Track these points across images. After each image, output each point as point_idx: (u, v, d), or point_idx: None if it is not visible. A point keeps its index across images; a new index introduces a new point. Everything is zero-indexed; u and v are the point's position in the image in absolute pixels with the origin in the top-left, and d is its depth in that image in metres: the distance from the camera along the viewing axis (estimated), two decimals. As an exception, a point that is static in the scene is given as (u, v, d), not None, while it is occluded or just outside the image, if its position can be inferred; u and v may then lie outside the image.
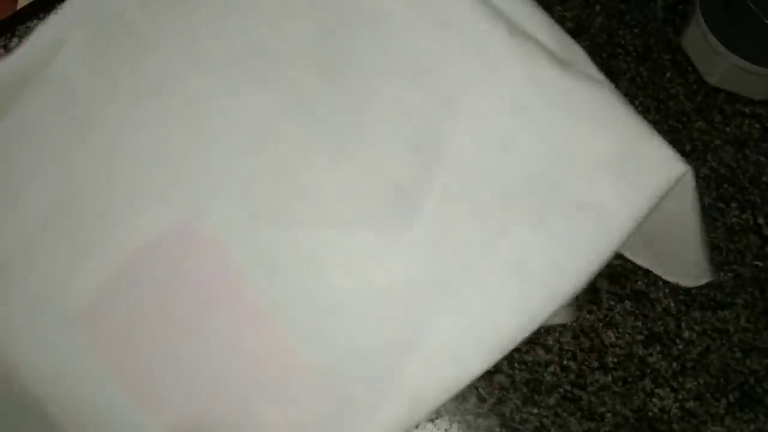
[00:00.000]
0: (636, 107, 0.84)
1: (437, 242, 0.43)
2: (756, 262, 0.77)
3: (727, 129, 0.83)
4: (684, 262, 0.53)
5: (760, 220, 0.79)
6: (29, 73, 0.45)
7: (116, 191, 0.46)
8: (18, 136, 0.46)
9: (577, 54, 0.47)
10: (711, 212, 0.80)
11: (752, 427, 0.73)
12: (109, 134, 0.46)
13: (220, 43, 0.47)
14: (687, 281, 0.60)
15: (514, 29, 0.46)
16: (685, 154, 0.83)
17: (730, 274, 0.77)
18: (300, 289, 0.44)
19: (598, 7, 0.89)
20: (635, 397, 0.74)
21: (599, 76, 0.46)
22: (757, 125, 0.84)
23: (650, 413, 0.74)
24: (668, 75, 0.86)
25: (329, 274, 0.44)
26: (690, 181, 0.43)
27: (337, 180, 0.45)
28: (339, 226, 0.44)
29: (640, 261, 0.61)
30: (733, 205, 0.80)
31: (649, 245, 0.52)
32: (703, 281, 0.57)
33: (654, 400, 0.74)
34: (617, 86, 0.85)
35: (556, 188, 0.43)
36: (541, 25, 0.48)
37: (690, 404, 0.73)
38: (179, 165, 0.46)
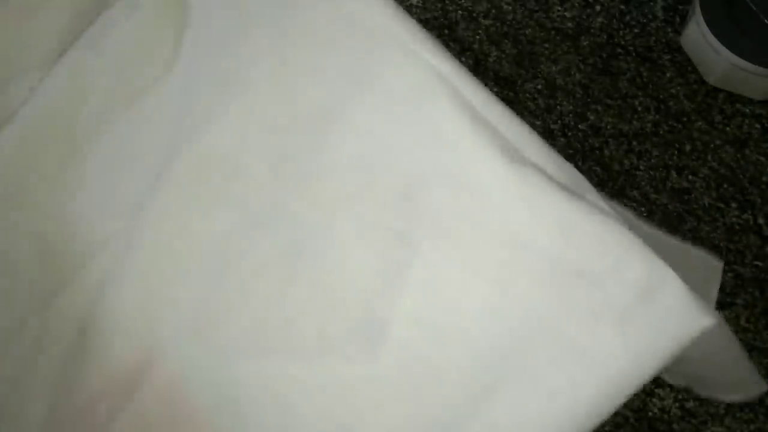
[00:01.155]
0: (636, 107, 0.84)
1: (416, 383, 0.38)
2: (756, 262, 0.77)
3: (727, 129, 0.83)
4: (730, 383, 0.47)
5: (760, 220, 0.79)
6: None
7: (71, 332, 0.43)
8: None
9: (582, 183, 0.41)
10: (711, 212, 0.80)
11: (752, 427, 0.73)
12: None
13: (191, 157, 0.44)
14: (739, 397, 0.52)
15: (513, 153, 0.40)
16: (685, 154, 0.83)
17: (730, 274, 0.77)
18: None
19: (598, 7, 0.89)
20: (635, 397, 0.74)
21: (607, 207, 0.40)
22: (757, 125, 0.84)
23: (650, 413, 0.73)
24: (668, 75, 0.86)
25: (296, 411, 0.40)
26: (722, 329, 0.37)
27: (307, 310, 0.41)
28: (303, 358, 0.40)
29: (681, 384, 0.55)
30: (733, 205, 0.80)
31: (689, 376, 0.47)
32: (758, 393, 0.50)
33: (654, 400, 0.74)
34: (617, 86, 0.86)
35: (557, 339, 0.37)
36: (541, 151, 0.41)
37: (690, 404, 0.73)
38: (143, 295, 0.43)
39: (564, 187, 0.39)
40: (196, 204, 0.44)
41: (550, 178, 0.39)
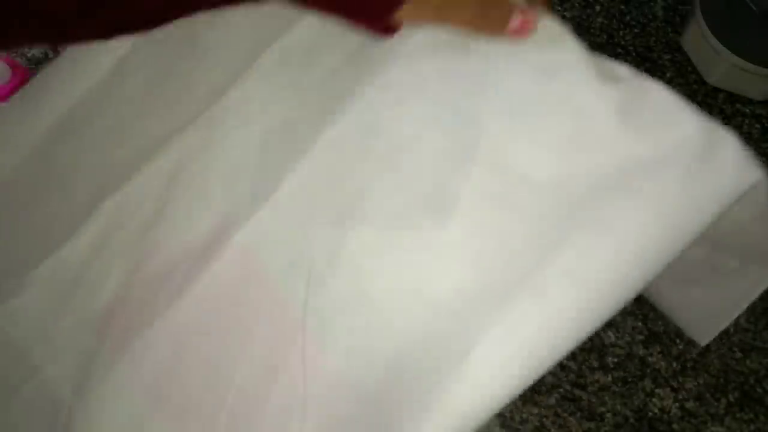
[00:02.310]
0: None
1: (481, 248, 0.42)
2: (756, 262, 0.78)
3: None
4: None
5: (760, 220, 0.79)
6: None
7: (153, 198, 0.46)
8: (67, 133, 0.47)
9: (621, 67, 0.45)
10: (711, 212, 0.80)
11: (752, 427, 0.73)
12: (164, 139, 0.46)
13: (277, 48, 0.47)
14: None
15: (582, 48, 0.45)
16: (685, 154, 0.83)
17: (730, 274, 0.77)
18: (340, 298, 0.43)
19: (598, 7, 0.89)
20: (635, 397, 0.74)
21: (651, 79, 0.44)
22: (757, 125, 0.84)
23: (650, 413, 0.74)
24: (668, 75, 0.86)
25: (367, 278, 0.43)
26: (764, 189, 0.41)
27: (378, 183, 0.44)
28: (374, 226, 0.43)
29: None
30: (733, 205, 0.80)
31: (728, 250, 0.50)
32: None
33: (654, 400, 0.74)
34: (617, 86, 0.86)
35: (625, 192, 0.40)
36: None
37: (690, 404, 0.73)
38: (220, 171, 0.46)
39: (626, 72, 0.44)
40: (276, 88, 0.46)
41: (614, 70, 0.44)
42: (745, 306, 0.52)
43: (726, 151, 0.40)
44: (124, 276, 0.44)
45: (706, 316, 0.55)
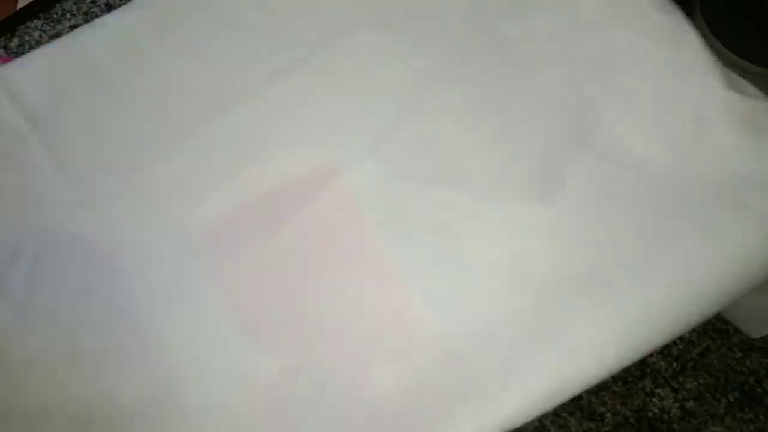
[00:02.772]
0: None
1: (585, 233, 0.42)
2: (756, 262, 0.77)
3: (727, 129, 0.83)
4: None
5: (760, 220, 0.79)
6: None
7: (269, 126, 0.46)
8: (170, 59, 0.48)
9: (750, 85, 0.47)
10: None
11: (752, 427, 0.73)
12: (271, 73, 0.47)
13: (395, 2, 0.48)
14: None
15: (712, 59, 0.46)
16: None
17: (730, 274, 0.77)
18: (434, 256, 0.43)
19: (598, 7, 0.89)
20: (635, 397, 0.74)
21: None
22: (757, 125, 0.83)
23: (650, 413, 0.73)
24: (668, 75, 0.86)
25: (462, 240, 0.43)
26: None
27: (486, 154, 0.45)
28: (476, 192, 0.44)
29: None
30: (733, 205, 0.80)
31: None
32: None
33: (654, 400, 0.74)
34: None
35: (732, 204, 0.42)
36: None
37: (690, 404, 0.73)
38: (330, 114, 0.46)
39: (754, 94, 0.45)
40: (398, 44, 0.48)
41: (742, 85, 0.45)
42: None
43: None
44: (223, 199, 0.45)
45: (759, 314, 0.55)
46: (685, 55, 0.45)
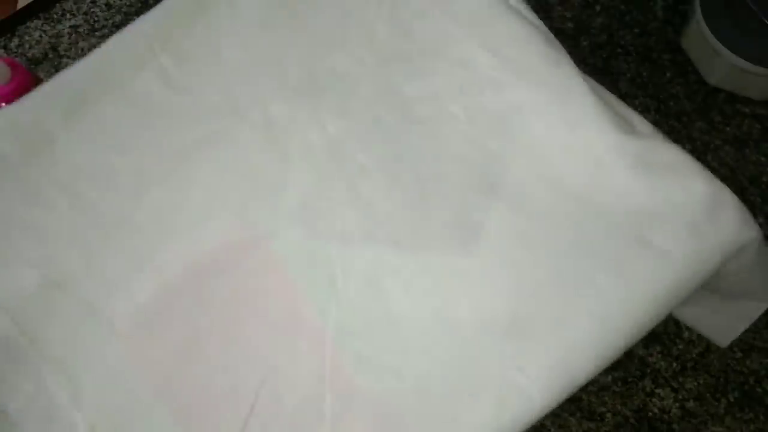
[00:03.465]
0: (636, 107, 0.84)
1: (507, 279, 0.44)
2: (756, 262, 0.77)
3: (727, 129, 0.83)
4: (757, 289, 0.54)
5: (760, 220, 0.79)
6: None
7: (187, 202, 0.47)
8: (89, 141, 0.48)
9: (643, 122, 0.50)
10: (711, 212, 0.80)
11: (752, 427, 0.73)
12: (184, 149, 0.48)
13: (304, 71, 0.50)
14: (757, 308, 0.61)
15: (594, 90, 0.48)
16: (685, 154, 0.83)
17: (730, 274, 0.77)
18: (364, 316, 0.44)
19: (598, 7, 0.89)
20: (635, 397, 0.74)
21: (666, 139, 0.49)
22: (757, 125, 0.84)
23: (650, 413, 0.74)
24: (668, 75, 0.86)
25: (391, 296, 0.44)
26: (755, 245, 0.45)
27: (404, 211, 0.46)
28: (399, 248, 0.45)
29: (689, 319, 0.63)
30: (733, 205, 0.80)
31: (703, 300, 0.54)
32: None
33: (654, 400, 0.74)
34: (617, 86, 0.86)
35: (636, 241, 0.44)
36: (605, 94, 0.50)
37: (690, 404, 0.73)
38: (248, 184, 0.47)
39: (631, 126, 0.48)
40: (311, 112, 0.49)
41: (634, 125, 0.48)
42: (745, 326, 0.56)
43: (729, 211, 0.45)
44: (144, 282, 0.45)
45: (717, 328, 0.59)
46: (576, 105, 0.47)
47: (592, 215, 0.46)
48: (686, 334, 0.76)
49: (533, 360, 0.42)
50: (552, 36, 0.50)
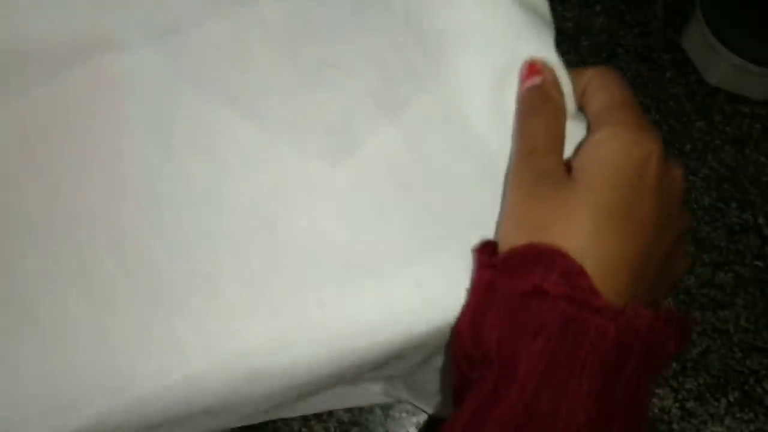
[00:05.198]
0: (636, 107, 0.84)
1: (357, 207, 0.38)
2: (756, 262, 0.77)
3: (727, 129, 0.83)
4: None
5: (760, 220, 0.79)
6: None
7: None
8: None
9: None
10: (711, 212, 0.80)
11: (752, 427, 0.73)
12: None
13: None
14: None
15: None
16: (685, 154, 0.83)
17: (730, 274, 0.77)
18: (191, 181, 0.37)
19: (598, 7, 0.89)
20: (635, 397, 0.74)
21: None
22: (757, 125, 0.84)
23: (650, 413, 0.73)
24: (668, 75, 0.86)
25: (230, 176, 0.37)
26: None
27: (290, 88, 0.39)
28: (265, 130, 0.38)
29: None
30: (733, 205, 0.80)
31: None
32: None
33: (654, 400, 0.74)
34: (617, 86, 0.85)
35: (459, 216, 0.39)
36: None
37: (690, 404, 0.73)
38: None
39: None
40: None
41: None
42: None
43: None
44: None
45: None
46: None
47: (480, 165, 0.40)
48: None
49: (334, 299, 0.36)
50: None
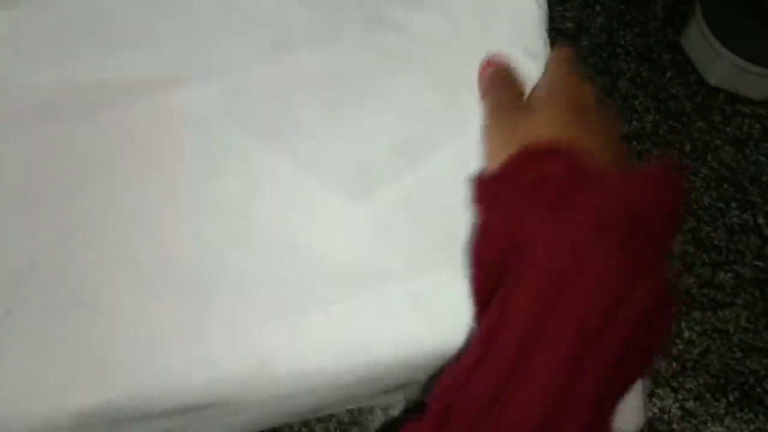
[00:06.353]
0: (636, 107, 0.84)
1: (384, 235, 0.42)
2: (756, 262, 0.77)
3: (727, 129, 0.83)
4: None
5: (760, 220, 0.79)
6: None
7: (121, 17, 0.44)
8: None
9: None
10: (711, 212, 0.80)
11: (752, 427, 0.73)
12: None
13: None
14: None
15: None
16: (685, 154, 0.83)
17: (730, 274, 0.77)
18: (229, 196, 0.42)
19: (598, 7, 0.89)
20: (635, 397, 0.74)
21: None
22: (757, 125, 0.84)
23: (650, 413, 0.73)
24: (668, 75, 0.86)
25: (259, 193, 0.42)
26: None
27: (327, 130, 0.44)
28: (300, 166, 0.43)
29: None
30: (733, 205, 0.80)
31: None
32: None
33: (654, 400, 0.74)
34: (617, 86, 0.86)
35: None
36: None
37: (690, 404, 0.73)
38: (189, 29, 0.45)
39: None
40: None
41: None
42: None
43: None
44: (52, 75, 0.43)
45: None
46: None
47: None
48: (686, 334, 0.76)
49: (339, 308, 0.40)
50: None
